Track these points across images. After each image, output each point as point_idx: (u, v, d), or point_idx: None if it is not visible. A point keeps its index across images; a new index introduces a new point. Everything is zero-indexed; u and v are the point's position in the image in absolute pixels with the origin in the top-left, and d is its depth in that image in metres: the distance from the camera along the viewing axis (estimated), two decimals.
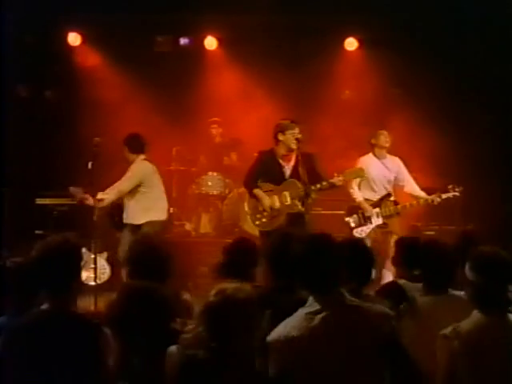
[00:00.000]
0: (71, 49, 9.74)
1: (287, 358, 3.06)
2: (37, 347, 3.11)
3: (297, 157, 6.90)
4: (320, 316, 3.08)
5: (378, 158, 7.71)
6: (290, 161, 6.99)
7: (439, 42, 9.17)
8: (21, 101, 9.51)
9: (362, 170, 7.17)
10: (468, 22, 8.94)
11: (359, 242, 4.66)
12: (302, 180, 6.79)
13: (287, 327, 3.10)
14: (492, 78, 8.99)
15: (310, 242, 3.26)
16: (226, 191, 9.31)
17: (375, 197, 7.65)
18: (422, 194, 7.68)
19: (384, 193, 7.65)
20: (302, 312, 3.14)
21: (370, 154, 7.74)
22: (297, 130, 6.91)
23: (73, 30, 9.65)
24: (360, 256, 4.05)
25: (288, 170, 6.99)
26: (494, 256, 3.31)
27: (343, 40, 9.77)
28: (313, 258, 3.17)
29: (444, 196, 7.54)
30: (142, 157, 7.47)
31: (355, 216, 7.57)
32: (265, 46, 9.43)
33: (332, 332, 3.07)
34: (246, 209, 7.21)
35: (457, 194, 7.58)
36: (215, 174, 9.38)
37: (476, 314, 3.25)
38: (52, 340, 3.12)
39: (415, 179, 7.93)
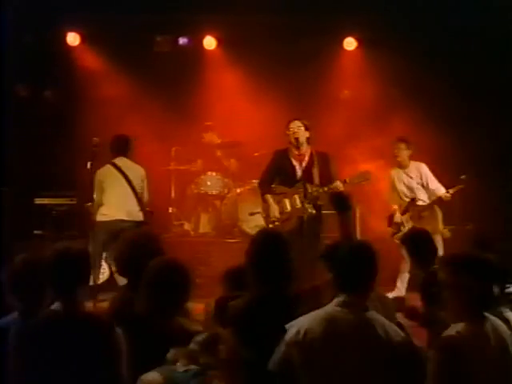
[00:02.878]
0: (70, 49, 9.74)
1: (303, 353, 3.11)
2: (49, 347, 3.16)
3: (311, 156, 6.92)
4: (343, 321, 3.15)
5: (401, 168, 8.10)
6: (302, 161, 7.03)
7: (439, 41, 9.17)
8: (20, 100, 9.49)
9: (368, 172, 7.24)
10: (468, 21, 8.93)
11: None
12: (313, 181, 6.80)
13: (309, 323, 3.15)
14: (492, 78, 8.98)
15: (355, 247, 3.42)
16: (225, 191, 9.31)
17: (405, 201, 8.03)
18: (440, 190, 8.00)
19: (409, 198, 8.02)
20: (325, 310, 3.20)
21: (396, 167, 8.13)
22: (294, 125, 7.02)
23: (72, 30, 9.64)
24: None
25: (300, 170, 7.01)
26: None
27: (342, 40, 9.77)
28: (356, 262, 3.30)
29: (451, 191, 7.85)
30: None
31: (393, 225, 7.96)
32: (264, 45, 9.41)
33: (350, 339, 3.12)
34: (260, 210, 7.29)
35: (461, 186, 7.85)
36: (214, 173, 9.38)
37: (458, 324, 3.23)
38: (64, 340, 3.19)
39: None
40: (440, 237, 7.84)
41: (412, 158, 8.27)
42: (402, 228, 7.87)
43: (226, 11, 9.05)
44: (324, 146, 7.82)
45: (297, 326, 3.15)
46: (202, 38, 9.86)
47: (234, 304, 3.72)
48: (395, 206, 8.04)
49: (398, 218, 7.95)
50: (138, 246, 4.05)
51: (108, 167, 7.58)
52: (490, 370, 3.12)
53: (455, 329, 3.11)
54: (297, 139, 6.95)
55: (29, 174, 9.14)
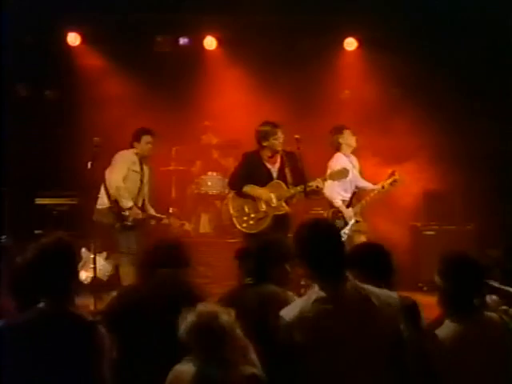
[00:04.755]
0: (70, 49, 9.74)
1: (299, 337, 3.09)
2: (32, 346, 3.12)
3: (281, 157, 6.91)
4: (331, 300, 3.12)
5: (346, 156, 7.75)
6: (275, 162, 7.01)
7: (439, 41, 9.17)
8: (20, 100, 9.51)
9: (346, 170, 7.16)
10: (468, 21, 8.93)
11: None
12: (287, 180, 6.79)
13: (299, 309, 3.14)
14: (492, 78, 8.98)
15: (315, 226, 3.30)
16: (226, 191, 9.27)
17: (348, 196, 7.62)
18: (371, 185, 7.70)
19: (351, 191, 7.64)
20: (310, 297, 3.16)
21: (340, 153, 7.72)
22: (279, 134, 6.91)
23: (72, 30, 9.65)
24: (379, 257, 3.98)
25: (275, 171, 7.00)
26: (461, 261, 3.32)
27: (343, 40, 9.78)
28: (322, 241, 3.19)
29: (388, 181, 7.47)
30: None
31: (338, 221, 7.42)
32: (264, 45, 9.43)
33: (343, 315, 3.10)
34: (232, 211, 7.15)
35: (396, 177, 7.48)
36: (215, 173, 9.37)
37: (448, 323, 3.24)
38: (47, 339, 3.14)
39: (415, 179, 8.01)
40: (363, 238, 7.47)
41: (410, 156, 8.29)
42: (345, 226, 7.36)
43: (226, 11, 9.06)
44: (324, 145, 7.83)
45: (293, 309, 3.16)
46: (203, 38, 9.86)
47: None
48: (339, 202, 7.53)
49: (347, 214, 7.45)
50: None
51: None
52: (478, 367, 3.15)
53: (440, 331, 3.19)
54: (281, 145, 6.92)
55: (29, 173, 9.13)
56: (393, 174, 7.51)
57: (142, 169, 7.64)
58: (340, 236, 3.34)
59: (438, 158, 8.76)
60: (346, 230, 7.27)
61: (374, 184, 7.65)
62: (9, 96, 8.27)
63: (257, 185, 6.97)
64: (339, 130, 7.73)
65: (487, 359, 3.18)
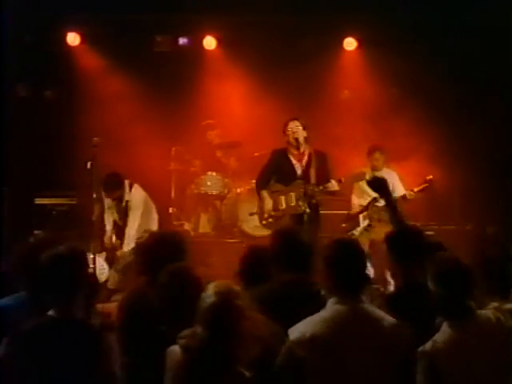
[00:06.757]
0: (70, 49, 9.75)
1: (310, 353, 3.10)
2: (40, 353, 3.14)
3: (309, 155, 6.95)
4: (337, 321, 3.14)
5: (373, 170, 8.16)
6: (301, 160, 7.07)
7: (439, 41, 9.17)
8: (20, 100, 9.51)
9: (363, 173, 7.33)
10: (468, 21, 8.94)
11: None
12: (310, 180, 6.83)
13: (313, 325, 3.15)
14: (492, 77, 8.98)
15: (338, 245, 3.36)
16: (225, 191, 9.30)
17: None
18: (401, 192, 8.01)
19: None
20: (321, 315, 3.19)
21: (368, 168, 8.20)
22: (293, 125, 7.06)
23: (72, 30, 9.66)
24: None
25: (299, 168, 7.05)
26: (453, 265, 3.30)
27: (342, 40, 9.77)
28: (341, 261, 3.26)
29: (416, 189, 7.84)
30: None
31: (350, 222, 7.96)
32: (264, 45, 9.43)
33: (348, 337, 3.12)
34: (256, 208, 7.37)
35: (426, 184, 7.85)
36: (214, 173, 9.36)
37: (446, 327, 3.23)
38: (56, 346, 3.15)
39: (414, 179, 8.04)
40: None
41: (410, 156, 8.36)
42: (357, 227, 7.86)
43: (226, 11, 9.06)
44: (324, 145, 7.84)
45: (300, 329, 3.15)
46: (202, 38, 9.86)
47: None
48: (354, 201, 8.14)
49: (352, 210, 8.05)
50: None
51: None
52: (478, 369, 3.15)
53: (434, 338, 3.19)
54: (297, 139, 7.00)
55: (29, 173, 9.14)
56: (428, 181, 7.84)
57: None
58: (363, 257, 3.32)
59: (437, 157, 8.77)
60: (355, 232, 7.78)
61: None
62: (9, 96, 8.27)
63: (282, 181, 7.11)
64: (369, 152, 8.31)
65: (489, 359, 3.18)
